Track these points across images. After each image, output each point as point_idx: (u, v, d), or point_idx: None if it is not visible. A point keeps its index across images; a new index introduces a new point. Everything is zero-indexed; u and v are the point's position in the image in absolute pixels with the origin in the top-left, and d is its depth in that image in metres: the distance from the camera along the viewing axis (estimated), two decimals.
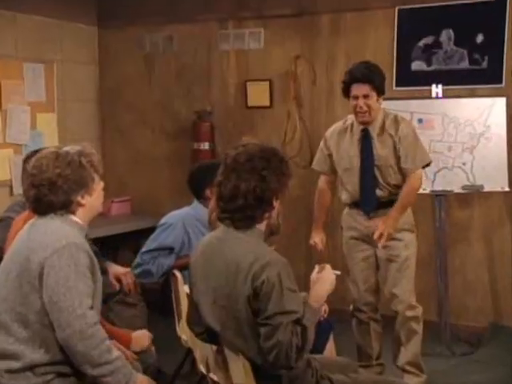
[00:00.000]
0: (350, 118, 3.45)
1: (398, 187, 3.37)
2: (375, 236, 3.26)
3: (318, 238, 3.53)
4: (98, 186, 2.26)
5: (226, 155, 2.17)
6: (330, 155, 3.50)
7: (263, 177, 2.08)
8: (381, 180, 3.36)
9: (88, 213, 2.24)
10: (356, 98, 3.30)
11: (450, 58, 4.40)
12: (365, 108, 3.29)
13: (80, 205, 2.20)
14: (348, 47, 4.65)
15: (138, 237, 5.12)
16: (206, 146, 4.98)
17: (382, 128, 3.36)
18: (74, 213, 2.20)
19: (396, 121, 3.36)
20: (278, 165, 2.12)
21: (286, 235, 3.55)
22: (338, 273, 2.24)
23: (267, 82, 4.88)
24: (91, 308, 2.09)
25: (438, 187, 4.12)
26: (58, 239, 2.10)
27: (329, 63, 4.73)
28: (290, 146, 4.86)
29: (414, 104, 4.14)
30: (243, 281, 2.03)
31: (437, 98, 4.23)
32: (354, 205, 3.43)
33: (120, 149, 5.47)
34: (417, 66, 4.46)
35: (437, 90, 4.25)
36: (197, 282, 2.18)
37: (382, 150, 3.34)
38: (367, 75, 3.28)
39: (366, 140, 3.37)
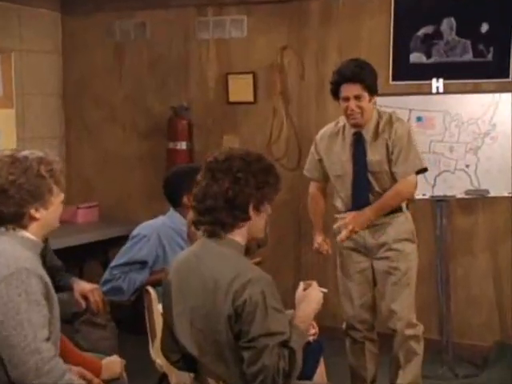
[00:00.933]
0: (343, 119, 3.48)
1: None
2: (335, 226, 3.31)
3: (320, 239, 3.56)
4: (57, 198, 2.21)
5: (208, 156, 2.21)
6: (321, 160, 3.54)
7: (237, 179, 2.10)
8: (376, 187, 3.39)
9: (42, 228, 2.20)
10: (347, 99, 3.33)
11: (451, 50, 4.45)
12: (357, 110, 3.32)
13: (33, 219, 2.16)
14: (340, 37, 4.69)
15: (106, 247, 5.13)
16: (182, 145, 5.00)
17: (376, 131, 3.39)
18: (25, 227, 2.16)
19: (390, 121, 3.40)
20: (260, 171, 2.15)
21: (271, 244, 3.58)
22: (325, 290, 2.28)
23: (250, 75, 4.91)
24: (47, 340, 2.06)
25: (439, 192, 4.17)
26: (6, 264, 2.05)
27: (319, 54, 4.76)
28: (276, 146, 4.89)
29: (413, 100, 4.18)
30: (223, 300, 2.05)
31: (437, 93, 4.28)
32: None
33: (87, 148, 5.47)
34: (415, 58, 4.50)
35: (437, 84, 4.30)
36: (171, 304, 2.19)
37: (375, 155, 3.38)
38: (358, 74, 3.30)
39: (358, 144, 3.40)
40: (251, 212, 2.14)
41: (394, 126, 3.38)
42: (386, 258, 3.41)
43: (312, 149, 3.61)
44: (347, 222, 3.30)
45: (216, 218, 2.12)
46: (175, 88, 5.15)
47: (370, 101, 3.34)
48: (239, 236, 2.17)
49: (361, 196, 3.41)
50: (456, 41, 4.44)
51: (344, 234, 3.30)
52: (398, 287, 3.41)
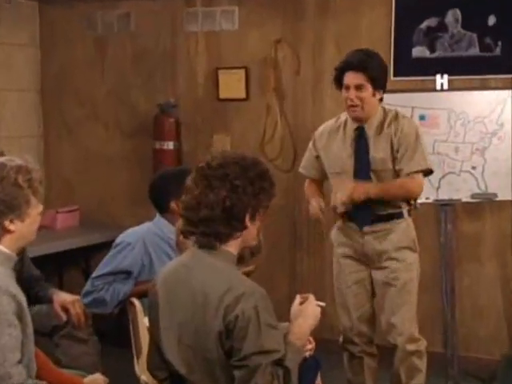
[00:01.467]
0: (344, 114, 3.51)
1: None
2: (337, 197, 3.28)
3: (314, 201, 3.46)
4: (34, 210, 2.20)
5: (200, 161, 2.21)
6: (318, 157, 3.56)
7: (235, 186, 2.10)
8: None
9: (16, 241, 2.19)
10: (347, 88, 3.36)
11: (457, 44, 4.46)
12: (356, 101, 3.34)
13: (7, 231, 2.15)
14: (338, 30, 4.70)
15: (88, 255, 5.13)
16: (170, 145, 5.00)
17: (381, 127, 3.41)
18: None
19: (397, 118, 3.42)
20: (256, 177, 2.15)
21: (265, 251, 3.57)
22: (323, 304, 2.28)
23: (242, 70, 4.91)
24: (19, 362, 2.04)
25: (444, 196, 4.18)
26: None
27: (315, 48, 4.77)
28: (269, 146, 4.90)
29: (415, 97, 4.19)
30: (213, 315, 2.05)
31: (442, 90, 4.30)
32: (348, 217, 3.47)
33: (67, 148, 5.46)
34: (418, 52, 4.51)
35: (442, 80, 4.31)
36: (158, 318, 2.18)
37: (379, 152, 3.39)
38: (362, 62, 3.32)
39: (360, 140, 3.42)
40: (247, 221, 2.14)
41: (401, 123, 3.40)
42: (386, 267, 3.42)
43: (310, 145, 3.63)
44: (347, 187, 3.29)
45: (212, 229, 2.11)
46: (162, 84, 5.15)
47: (373, 95, 3.35)
48: (233, 247, 2.17)
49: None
50: (461, 34, 4.45)
51: (339, 199, 3.27)
52: (399, 299, 3.41)
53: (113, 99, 5.29)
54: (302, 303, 2.25)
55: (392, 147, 3.38)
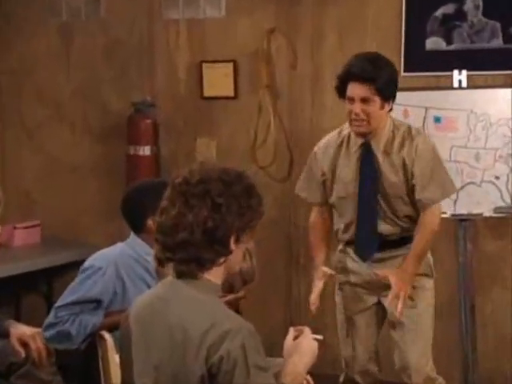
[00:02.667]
0: (347, 127, 3.48)
1: (412, 219, 3.43)
2: (390, 299, 3.29)
3: (317, 290, 3.45)
4: None
5: (175, 175, 2.21)
6: (326, 180, 3.50)
7: (218, 205, 2.10)
8: (389, 212, 3.41)
9: None
10: (351, 100, 3.33)
11: (477, 34, 4.49)
12: (362, 115, 3.32)
13: None
14: (340, 17, 4.73)
15: (50, 278, 5.13)
16: (146, 150, 5.01)
17: (391, 144, 3.40)
18: None
19: (410, 135, 3.40)
20: (242, 193, 2.16)
21: (257, 272, 3.60)
22: (321, 337, 2.28)
23: (230, 64, 4.93)
24: None
25: (462, 209, 4.20)
26: None
27: (314, 39, 4.80)
28: (261, 152, 4.91)
29: (430, 96, 4.21)
30: (194, 356, 2.04)
31: (460, 88, 4.31)
32: (352, 244, 3.50)
33: (27, 154, 5.46)
34: (433, 44, 4.54)
35: (460, 77, 4.32)
36: (130, 359, 2.19)
37: (390, 175, 3.38)
38: (369, 72, 3.29)
39: (366, 158, 3.41)
40: (232, 244, 2.15)
41: (415, 141, 3.38)
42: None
43: (311, 163, 3.57)
44: (398, 290, 3.29)
45: (191, 255, 2.11)
46: (137, 80, 5.17)
47: (382, 107, 3.33)
48: (216, 275, 2.17)
49: (365, 223, 3.42)
50: (483, 23, 4.48)
51: (400, 306, 3.29)
52: (413, 333, 3.43)
53: (80, 97, 5.30)
54: (296, 337, 2.25)
55: (405, 171, 3.36)
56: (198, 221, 2.10)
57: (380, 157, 3.40)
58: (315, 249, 3.58)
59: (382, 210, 3.41)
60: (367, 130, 3.37)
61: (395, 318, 3.41)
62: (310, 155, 3.61)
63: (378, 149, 3.40)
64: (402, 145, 3.39)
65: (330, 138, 3.54)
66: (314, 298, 3.47)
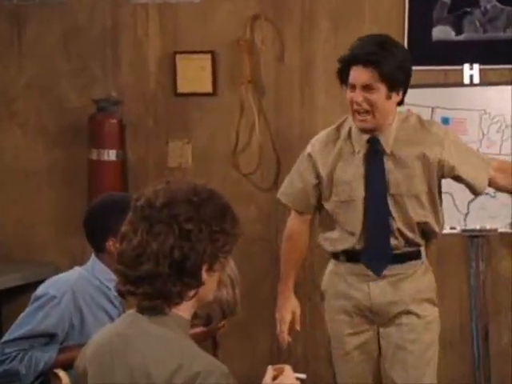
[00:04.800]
0: (349, 121, 3.49)
1: (421, 231, 3.45)
2: None
3: (286, 313, 3.55)
4: None
5: (137, 196, 2.20)
6: (320, 183, 3.51)
7: (187, 232, 2.10)
8: (398, 218, 3.42)
9: None
10: (352, 88, 3.37)
11: (491, 23, 4.51)
12: (364, 106, 3.34)
13: None
14: (334, 3, 4.73)
15: None
16: (111, 154, 5.00)
17: (402, 138, 3.43)
18: None
19: (422, 124, 3.46)
20: (213, 216, 2.15)
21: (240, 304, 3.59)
22: (303, 376, 2.30)
23: (208, 56, 4.93)
24: None
25: (474, 224, 4.22)
26: None
27: (304, 27, 4.80)
28: (244, 157, 4.92)
29: (436, 94, 4.24)
30: None
31: (471, 85, 4.33)
32: (351, 258, 3.49)
33: None
34: (440, 33, 4.56)
35: (471, 72, 4.34)
36: None
37: (399, 173, 3.41)
38: (373, 54, 3.31)
39: (373, 157, 3.43)
40: (204, 274, 2.14)
41: (433, 128, 3.46)
42: (401, 324, 3.44)
43: (302, 166, 3.58)
44: None
45: (157, 289, 2.11)
46: (99, 73, 5.15)
47: (388, 97, 3.36)
48: (186, 309, 2.17)
49: (377, 231, 3.43)
50: (497, 9, 4.51)
51: None
52: (418, 370, 3.43)
53: (34, 93, 5.27)
54: (275, 378, 2.25)
55: (425, 163, 3.40)
56: (164, 250, 2.09)
57: (389, 155, 3.42)
58: (288, 266, 3.63)
59: (391, 217, 3.43)
60: (373, 125, 3.39)
61: (393, 351, 3.44)
62: (301, 155, 3.62)
63: (388, 146, 3.42)
64: (416, 135, 3.44)
65: (327, 135, 3.56)
66: (284, 335, 3.58)
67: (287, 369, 2.27)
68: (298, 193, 3.60)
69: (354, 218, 3.46)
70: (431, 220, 3.46)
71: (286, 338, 3.59)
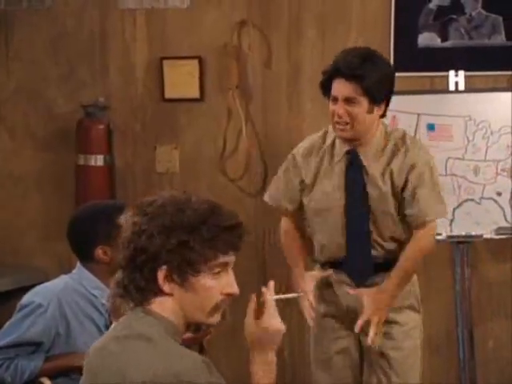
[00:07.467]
0: (332, 132, 3.52)
1: (396, 242, 3.48)
2: (358, 325, 3.33)
3: (310, 287, 3.47)
4: None
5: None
6: (305, 189, 3.54)
7: (142, 231, 2.14)
8: (374, 232, 3.45)
9: None
10: (334, 100, 3.39)
11: (476, 29, 4.52)
12: (345, 118, 3.36)
13: None
14: (321, 9, 4.74)
15: None
16: (99, 160, 4.99)
17: (380, 153, 3.45)
18: None
19: (403, 144, 3.45)
20: (185, 229, 2.15)
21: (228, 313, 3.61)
22: (297, 295, 2.26)
23: (195, 61, 4.93)
24: None
25: (460, 230, 4.23)
26: None
27: (292, 34, 4.81)
28: (231, 162, 4.93)
29: (422, 101, 4.26)
30: None
31: (456, 91, 4.35)
32: (333, 266, 3.52)
33: None
34: (426, 40, 4.57)
35: (456, 78, 4.36)
36: None
37: (376, 188, 3.43)
38: (356, 68, 3.33)
39: (352, 168, 3.46)
40: (164, 283, 2.15)
41: (410, 152, 3.43)
42: (381, 333, 3.43)
43: (288, 168, 3.61)
44: (368, 315, 3.33)
45: (125, 282, 2.17)
46: (87, 78, 5.14)
47: (370, 111, 3.37)
48: (164, 308, 2.18)
49: (359, 240, 3.45)
50: (483, 16, 4.51)
51: (372, 333, 3.32)
52: (399, 376, 3.44)
53: (22, 98, 5.26)
54: (258, 311, 2.27)
55: (394, 184, 3.41)
56: (124, 242, 2.15)
57: (368, 168, 3.43)
58: (294, 253, 3.62)
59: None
60: (351, 135, 3.40)
61: (374, 359, 3.45)
62: (287, 158, 3.65)
63: (366, 159, 3.44)
64: (393, 154, 3.44)
65: (312, 142, 3.58)
66: (311, 309, 3.47)
67: (269, 305, 2.27)
68: (284, 194, 3.62)
69: (328, 228, 3.49)
70: (402, 236, 3.48)
71: (311, 313, 3.48)
